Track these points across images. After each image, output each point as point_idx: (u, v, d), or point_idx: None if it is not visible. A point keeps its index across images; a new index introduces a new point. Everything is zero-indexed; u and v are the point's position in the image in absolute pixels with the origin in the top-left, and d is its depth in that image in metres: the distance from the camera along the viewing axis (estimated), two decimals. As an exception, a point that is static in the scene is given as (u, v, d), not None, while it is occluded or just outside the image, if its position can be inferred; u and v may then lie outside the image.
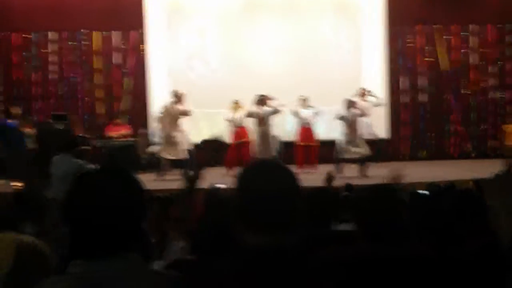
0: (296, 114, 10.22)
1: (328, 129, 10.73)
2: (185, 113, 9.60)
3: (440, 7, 12.09)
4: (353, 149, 9.40)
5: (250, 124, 10.07)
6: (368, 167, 9.37)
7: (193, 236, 2.27)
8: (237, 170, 1.48)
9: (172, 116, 9.57)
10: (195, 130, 10.77)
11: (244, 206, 1.47)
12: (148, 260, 1.66)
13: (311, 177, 9.00)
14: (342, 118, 9.49)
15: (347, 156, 9.45)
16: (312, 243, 1.65)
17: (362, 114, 9.63)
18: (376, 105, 10.68)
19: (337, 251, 1.96)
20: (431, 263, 1.91)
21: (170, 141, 9.57)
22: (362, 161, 9.45)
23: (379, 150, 10.72)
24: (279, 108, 9.69)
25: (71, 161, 5.92)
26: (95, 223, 1.38)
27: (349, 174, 9.01)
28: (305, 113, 10.19)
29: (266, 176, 1.47)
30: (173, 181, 9.50)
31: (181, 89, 9.87)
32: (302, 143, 10.19)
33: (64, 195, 1.44)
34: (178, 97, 9.58)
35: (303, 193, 2.96)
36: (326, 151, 10.15)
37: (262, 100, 9.77)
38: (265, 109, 9.72)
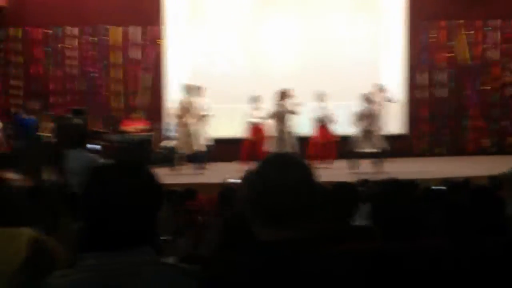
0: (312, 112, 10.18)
1: (344, 124, 10.66)
2: (202, 107, 9.64)
3: (462, 1, 11.92)
4: (368, 143, 9.38)
5: (269, 121, 10.07)
6: (383, 162, 9.36)
7: (206, 230, 2.28)
8: (251, 166, 1.47)
9: (190, 110, 9.58)
10: (215, 125, 10.81)
11: (259, 200, 1.46)
12: (159, 254, 1.66)
13: (328, 172, 8.98)
14: (358, 114, 9.49)
15: (360, 149, 9.42)
16: (330, 238, 1.64)
17: (379, 108, 9.69)
18: (388, 100, 10.63)
19: (353, 246, 1.95)
20: (449, 257, 1.89)
21: (187, 135, 9.60)
22: (377, 156, 9.41)
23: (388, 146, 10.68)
24: (296, 109, 9.83)
25: (85, 155, 5.94)
26: (110, 215, 1.38)
27: (364, 170, 9.00)
28: (321, 109, 10.13)
29: (281, 169, 1.46)
30: (187, 175, 9.56)
31: (193, 83, 9.90)
32: (318, 140, 10.16)
33: (78, 189, 1.45)
34: (189, 90, 9.60)
35: (323, 188, 2.96)
36: (342, 146, 10.12)
37: (283, 95, 9.88)
38: (284, 108, 9.78)
